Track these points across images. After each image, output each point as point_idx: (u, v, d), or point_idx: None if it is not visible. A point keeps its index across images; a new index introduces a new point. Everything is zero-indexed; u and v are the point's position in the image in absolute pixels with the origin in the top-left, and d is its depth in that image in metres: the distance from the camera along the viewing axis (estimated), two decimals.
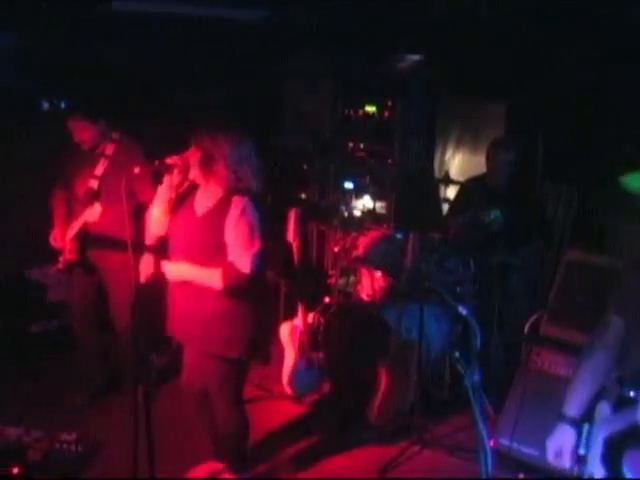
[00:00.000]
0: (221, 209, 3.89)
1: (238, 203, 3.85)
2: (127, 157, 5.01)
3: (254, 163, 3.93)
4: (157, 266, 4.95)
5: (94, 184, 5.02)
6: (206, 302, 3.95)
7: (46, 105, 6.40)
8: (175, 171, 3.90)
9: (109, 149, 5.06)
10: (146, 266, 5.04)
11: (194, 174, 3.89)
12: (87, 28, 6.35)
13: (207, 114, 6.10)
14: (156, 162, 3.88)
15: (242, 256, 3.81)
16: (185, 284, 3.95)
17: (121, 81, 6.56)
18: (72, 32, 6.32)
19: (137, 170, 3.83)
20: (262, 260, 3.86)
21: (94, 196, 4.97)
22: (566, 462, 3.07)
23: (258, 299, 4.04)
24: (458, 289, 5.27)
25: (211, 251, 3.87)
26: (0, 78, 6.24)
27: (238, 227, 3.83)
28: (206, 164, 3.84)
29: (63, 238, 5.11)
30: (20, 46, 6.32)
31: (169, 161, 3.86)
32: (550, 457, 3.11)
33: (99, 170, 5.03)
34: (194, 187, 4.02)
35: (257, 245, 3.83)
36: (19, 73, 6.32)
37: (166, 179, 3.95)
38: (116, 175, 4.96)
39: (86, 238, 5.08)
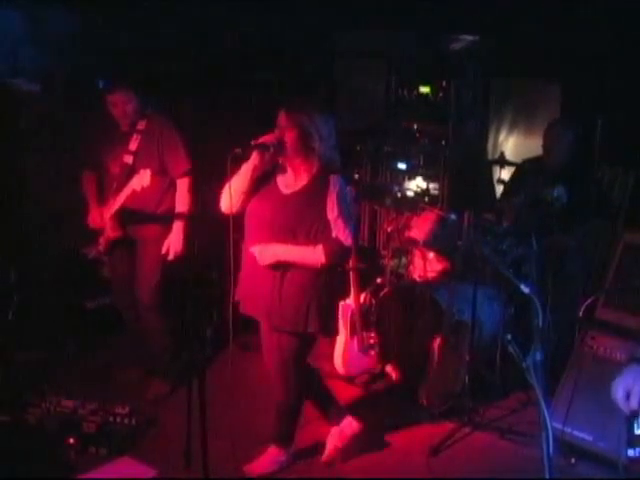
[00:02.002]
0: (318, 187, 3.97)
1: (336, 180, 3.97)
2: (159, 131, 5.06)
3: (336, 140, 4.06)
4: (185, 243, 5.04)
5: (129, 159, 5.02)
6: (287, 279, 4.02)
7: (101, 84, 6.45)
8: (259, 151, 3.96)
9: (141, 124, 5.06)
10: (175, 243, 5.09)
11: (290, 152, 3.94)
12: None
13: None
14: (252, 142, 3.91)
15: (344, 230, 3.95)
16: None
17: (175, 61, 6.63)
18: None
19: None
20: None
21: (130, 171, 4.97)
22: (634, 404, 3.01)
23: (335, 274, 4.18)
24: (511, 271, 5.22)
25: (309, 227, 3.96)
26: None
27: (340, 203, 3.94)
28: (305, 142, 3.91)
29: (102, 218, 5.11)
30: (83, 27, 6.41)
31: (265, 139, 3.90)
32: (619, 399, 3.05)
33: (133, 145, 5.03)
34: (274, 168, 4.07)
35: (354, 219, 4.05)
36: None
37: (253, 158, 3.96)
38: (150, 149, 5.03)
39: (123, 213, 5.07)
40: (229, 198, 3.96)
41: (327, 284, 4.09)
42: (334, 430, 4.58)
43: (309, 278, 4.02)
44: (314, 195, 3.96)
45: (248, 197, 4.06)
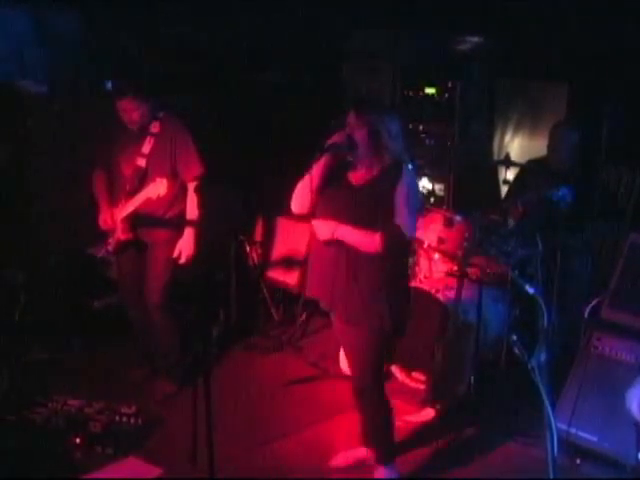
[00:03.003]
0: (390, 176, 4.00)
1: (407, 171, 4.02)
2: (173, 134, 5.05)
3: (404, 136, 4.12)
4: (197, 246, 5.05)
5: (142, 162, 5.01)
6: (360, 273, 4.02)
7: (109, 85, 6.48)
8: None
9: (155, 127, 5.05)
10: (187, 246, 5.10)
11: (361, 149, 3.99)
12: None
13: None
14: (325, 143, 3.99)
15: (407, 219, 3.95)
16: (337, 255, 4.03)
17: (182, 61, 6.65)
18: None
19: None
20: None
21: (143, 174, 5.00)
22: None
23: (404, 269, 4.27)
24: (516, 272, 5.22)
25: (377, 215, 3.96)
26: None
27: (409, 193, 3.98)
28: (375, 140, 3.97)
29: (112, 219, 5.10)
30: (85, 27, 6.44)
31: (336, 140, 3.98)
32: (634, 409, 3.05)
33: (146, 148, 5.02)
34: (344, 164, 4.10)
35: (418, 211, 4.10)
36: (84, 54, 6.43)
37: (325, 158, 4.02)
38: (163, 152, 5.02)
39: (133, 216, 5.07)
40: (302, 198, 4.08)
41: (401, 279, 4.16)
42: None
43: (383, 273, 4.02)
44: (386, 184, 3.98)
45: (317, 196, 4.11)
